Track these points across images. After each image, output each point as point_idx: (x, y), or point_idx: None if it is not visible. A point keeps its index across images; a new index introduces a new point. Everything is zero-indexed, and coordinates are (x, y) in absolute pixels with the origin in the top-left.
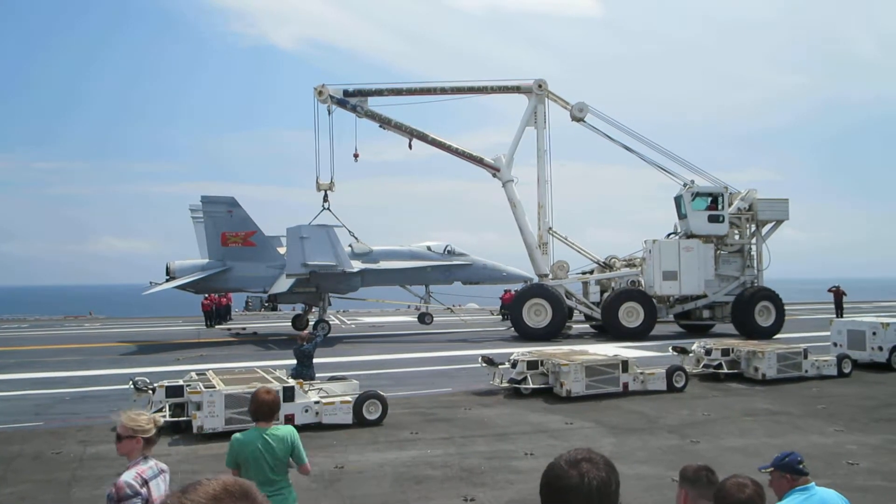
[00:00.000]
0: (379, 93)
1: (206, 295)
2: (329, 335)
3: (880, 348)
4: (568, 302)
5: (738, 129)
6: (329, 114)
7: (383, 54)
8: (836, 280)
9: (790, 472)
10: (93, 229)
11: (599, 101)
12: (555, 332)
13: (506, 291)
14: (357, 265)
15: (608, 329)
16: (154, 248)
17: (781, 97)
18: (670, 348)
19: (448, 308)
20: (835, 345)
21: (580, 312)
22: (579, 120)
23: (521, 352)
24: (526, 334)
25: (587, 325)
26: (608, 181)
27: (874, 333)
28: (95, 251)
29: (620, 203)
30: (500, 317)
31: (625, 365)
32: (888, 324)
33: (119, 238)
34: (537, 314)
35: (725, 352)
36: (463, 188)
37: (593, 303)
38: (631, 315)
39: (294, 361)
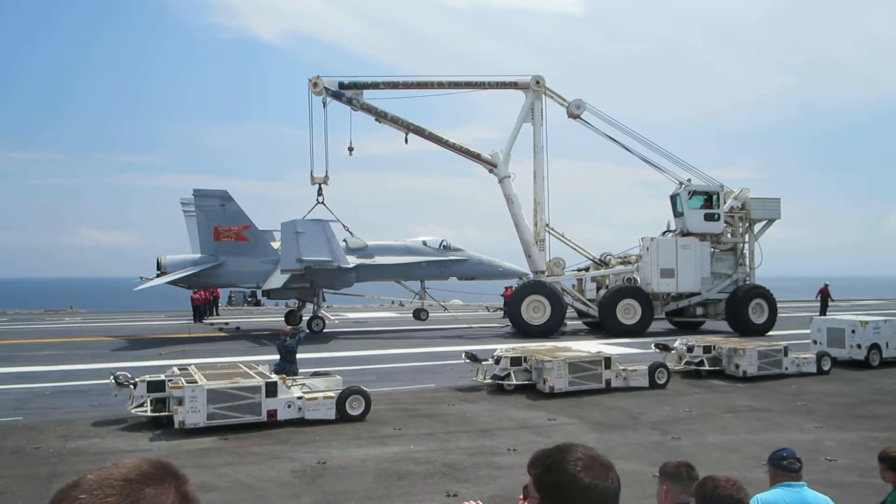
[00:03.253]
0: (375, 86)
1: (196, 290)
2: (323, 331)
3: (859, 346)
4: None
5: (720, 128)
6: (324, 106)
7: (367, 47)
8: (821, 279)
9: (774, 466)
10: (74, 221)
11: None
12: (553, 328)
13: (507, 288)
14: (352, 260)
15: (606, 326)
16: (136, 241)
17: (764, 99)
18: (653, 345)
19: (441, 304)
20: (815, 342)
21: (573, 309)
22: (576, 117)
23: (505, 348)
24: (524, 331)
25: (580, 322)
26: (587, 178)
27: (853, 331)
28: (76, 243)
29: (600, 200)
30: (503, 313)
31: (607, 362)
32: (867, 322)
33: (100, 230)
34: (536, 311)
35: (707, 349)
36: (445, 184)
37: (589, 300)
38: (628, 312)
39: (277, 357)
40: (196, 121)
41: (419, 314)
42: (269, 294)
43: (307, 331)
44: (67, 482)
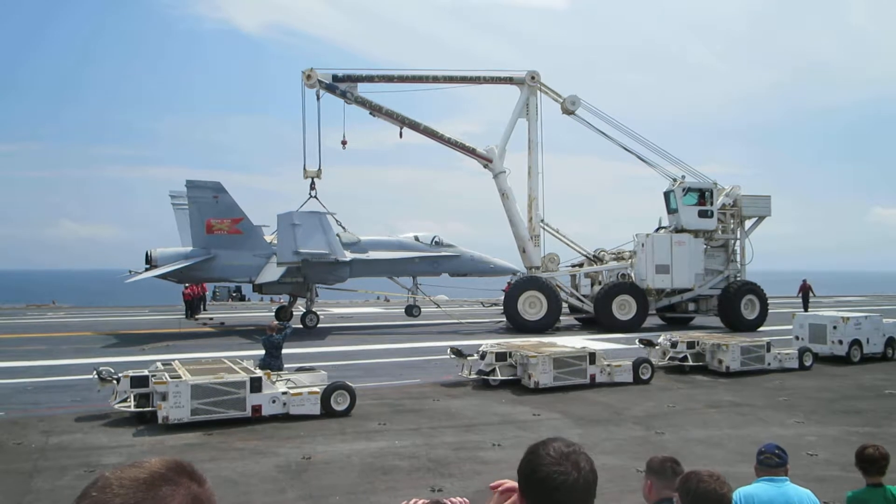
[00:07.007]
0: (370, 79)
1: (187, 285)
2: (317, 326)
3: (840, 342)
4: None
5: (704, 125)
6: (318, 99)
7: (349, 39)
8: (802, 273)
9: (756, 461)
10: (55, 213)
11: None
12: (550, 324)
13: (508, 284)
14: (346, 255)
15: (601, 322)
16: (118, 233)
17: (751, 97)
18: (637, 341)
19: (432, 300)
20: (797, 338)
21: (566, 305)
22: (570, 113)
23: (490, 343)
24: (521, 327)
25: (571, 318)
26: (570, 173)
27: (835, 327)
28: (57, 235)
29: (580, 195)
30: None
31: (592, 357)
32: (848, 318)
33: (80, 223)
34: (532, 307)
35: (691, 344)
36: (428, 178)
37: (584, 296)
38: (623, 308)
39: (262, 352)
40: (182, 113)
41: (411, 310)
42: (261, 289)
43: (294, 326)
44: (88, 482)
